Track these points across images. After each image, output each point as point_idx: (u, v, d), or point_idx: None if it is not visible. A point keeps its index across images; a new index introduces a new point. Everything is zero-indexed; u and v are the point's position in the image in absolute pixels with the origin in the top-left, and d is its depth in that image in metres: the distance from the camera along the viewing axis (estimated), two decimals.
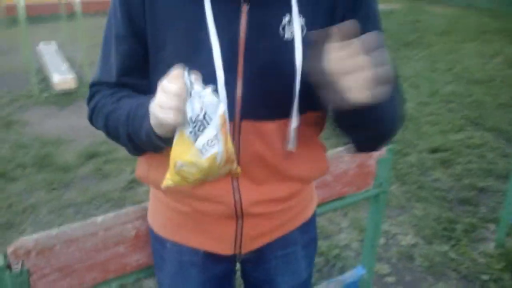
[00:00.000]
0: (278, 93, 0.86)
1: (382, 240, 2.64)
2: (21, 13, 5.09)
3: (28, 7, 6.16)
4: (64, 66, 5.68)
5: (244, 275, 1.15)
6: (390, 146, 1.61)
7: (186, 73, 0.73)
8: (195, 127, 0.73)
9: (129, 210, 1.18)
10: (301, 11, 0.85)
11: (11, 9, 8.13)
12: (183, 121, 0.73)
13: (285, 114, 0.88)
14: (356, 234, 2.71)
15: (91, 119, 0.96)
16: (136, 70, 0.91)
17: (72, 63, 5.92)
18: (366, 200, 1.87)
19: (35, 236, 1.06)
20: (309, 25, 0.86)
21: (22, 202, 3.07)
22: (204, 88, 0.74)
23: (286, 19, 0.84)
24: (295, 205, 1.03)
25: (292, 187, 0.99)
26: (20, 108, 4.92)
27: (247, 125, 0.88)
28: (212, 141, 0.74)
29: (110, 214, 1.16)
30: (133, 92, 0.92)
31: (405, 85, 5.14)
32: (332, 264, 2.44)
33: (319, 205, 1.52)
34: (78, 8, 5.50)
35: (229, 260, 1.06)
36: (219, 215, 0.96)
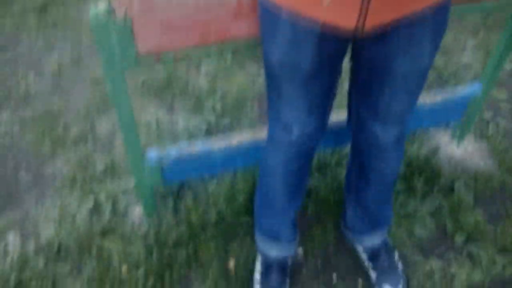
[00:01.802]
0: None
1: (508, 66, 2.36)
2: None
3: None
4: None
5: (357, 53, 1.07)
6: None
7: None
8: None
9: None
10: None
11: None
12: None
13: None
14: (481, 55, 2.43)
15: None
16: None
17: None
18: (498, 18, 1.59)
19: None
20: None
21: None
22: None
23: None
24: None
25: None
26: None
27: None
28: None
29: None
30: None
31: None
32: (445, 79, 2.27)
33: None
34: None
35: (347, 36, 0.98)
36: None
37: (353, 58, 1.10)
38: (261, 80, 2.26)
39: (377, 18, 0.91)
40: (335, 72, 1.08)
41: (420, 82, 1.08)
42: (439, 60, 2.35)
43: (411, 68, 1.01)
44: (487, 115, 2.06)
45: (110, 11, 1.04)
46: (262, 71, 2.24)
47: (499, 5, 1.40)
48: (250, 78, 2.28)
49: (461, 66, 2.36)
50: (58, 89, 2.22)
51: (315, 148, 1.25)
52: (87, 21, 2.66)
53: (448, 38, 2.53)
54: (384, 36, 0.96)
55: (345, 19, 0.91)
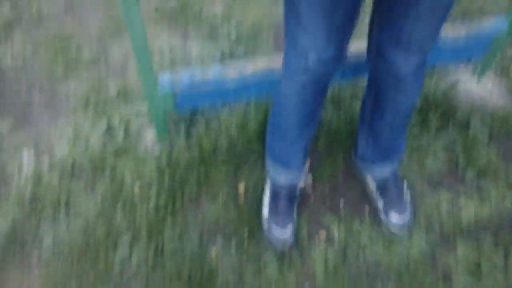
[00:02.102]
0: None
1: None
2: None
3: None
4: None
5: None
6: None
7: None
8: None
9: None
10: None
11: None
12: None
13: None
14: None
15: None
16: None
17: None
18: None
19: None
20: None
21: None
22: None
23: None
24: None
25: None
26: None
27: None
28: None
29: None
30: None
31: None
32: (471, 13, 2.17)
33: None
34: None
35: None
36: None
37: None
38: (277, 10, 2.19)
39: None
40: None
41: (445, 11, 1.04)
42: None
43: None
44: (510, 52, 1.99)
45: None
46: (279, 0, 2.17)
47: None
48: (266, 7, 2.21)
49: (488, 0, 2.26)
50: (70, 11, 2.18)
51: (331, 78, 1.22)
52: None
53: None
54: None
55: None
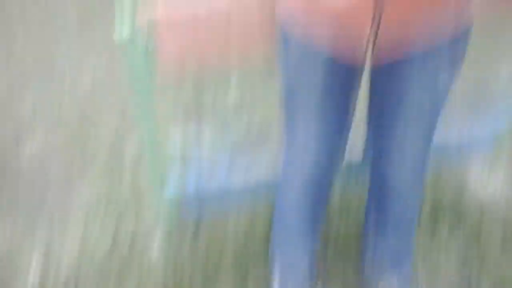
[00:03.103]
0: None
1: None
2: None
3: None
4: None
5: (372, 83, 1.06)
6: None
7: None
8: None
9: None
10: None
11: None
12: None
13: None
14: None
15: None
16: None
17: None
18: None
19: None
20: None
21: None
22: None
23: None
24: (447, 11, 0.85)
25: None
26: None
27: None
28: None
29: None
30: None
31: None
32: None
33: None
34: None
35: (357, 63, 0.97)
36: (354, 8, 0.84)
37: (369, 89, 1.08)
38: None
39: (385, 51, 0.89)
40: (349, 100, 1.06)
41: (435, 115, 1.06)
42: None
43: (426, 99, 0.99)
44: None
45: (134, 34, 1.06)
46: None
47: None
48: (277, 99, 2.27)
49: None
50: (89, 113, 2.28)
51: (330, 182, 1.22)
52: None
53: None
54: (397, 67, 0.94)
55: (354, 44, 0.90)
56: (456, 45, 0.93)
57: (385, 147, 1.11)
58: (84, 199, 1.84)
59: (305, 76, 1.00)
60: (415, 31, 0.88)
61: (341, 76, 0.99)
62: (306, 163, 1.13)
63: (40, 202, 1.84)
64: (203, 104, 2.23)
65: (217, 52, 1.14)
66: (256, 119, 2.15)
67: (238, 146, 2.03)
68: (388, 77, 0.98)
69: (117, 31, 1.04)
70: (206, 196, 1.50)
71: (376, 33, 0.87)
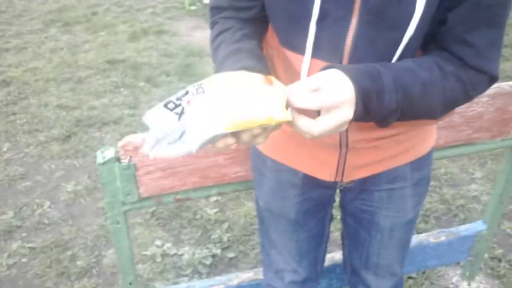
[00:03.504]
0: (389, 36, 0.75)
1: None
2: None
3: None
4: None
5: (343, 204, 1.10)
6: None
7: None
8: None
9: None
10: None
11: None
12: None
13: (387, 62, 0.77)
14: (489, 187, 2.44)
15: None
16: None
17: None
18: (504, 149, 1.64)
19: (143, 134, 1.12)
20: None
21: None
22: None
23: None
24: (406, 140, 0.93)
25: (401, 128, 0.89)
26: (171, 18, 5.22)
27: None
28: None
29: None
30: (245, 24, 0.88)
31: None
32: (454, 214, 2.25)
33: (443, 147, 1.38)
34: None
35: (329, 186, 1.02)
36: (322, 142, 0.91)
37: (341, 208, 1.12)
38: None
39: (355, 173, 0.96)
40: (323, 220, 1.10)
41: (406, 233, 1.09)
42: (447, 194, 2.37)
43: (395, 221, 1.03)
44: (499, 252, 2.00)
45: (116, 157, 1.11)
46: None
47: (495, 145, 1.45)
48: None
49: (469, 198, 2.37)
50: (71, 218, 2.28)
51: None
52: None
53: (454, 169, 2.57)
54: (367, 189, 1.00)
55: (324, 172, 0.96)
56: (419, 167, 0.99)
57: (363, 259, 1.13)
58: None
59: (279, 200, 1.04)
60: (379, 169, 0.96)
61: (314, 198, 1.03)
62: (285, 282, 1.14)
63: None
64: (183, 217, 2.27)
65: (194, 176, 1.20)
66: (237, 230, 2.18)
67: (219, 259, 2.02)
68: (359, 196, 1.02)
69: (99, 155, 1.10)
70: None
71: (345, 160, 0.95)
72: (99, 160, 1.10)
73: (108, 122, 3.15)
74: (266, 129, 0.69)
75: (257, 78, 0.70)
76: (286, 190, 1.02)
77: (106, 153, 1.11)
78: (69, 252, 2.05)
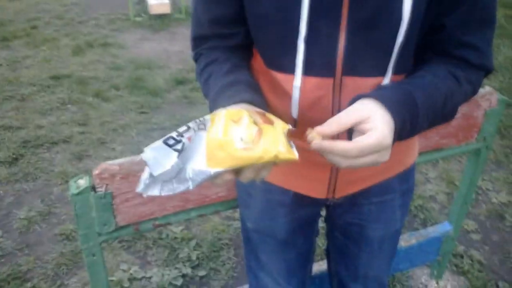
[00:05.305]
0: (380, 45, 0.75)
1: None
2: None
3: None
4: None
5: (331, 218, 1.09)
6: (502, 96, 1.42)
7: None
8: None
9: None
10: None
11: None
12: None
13: (382, 72, 0.78)
14: (444, 186, 2.55)
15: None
16: (224, 19, 0.84)
17: None
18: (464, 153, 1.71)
19: (119, 160, 1.07)
20: None
21: (113, 122, 3.22)
22: None
23: None
24: (396, 152, 0.94)
25: None
26: (116, 30, 5.08)
27: (348, 81, 0.78)
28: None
29: None
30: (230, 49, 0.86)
31: None
32: (414, 214, 2.33)
33: None
34: None
35: (318, 203, 1.02)
36: (313, 160, 0.90)
37: (328, 222, 1.12)
38: (236, 223, 2.26)
39: (347, 189, 0.96)
40: (311, 237, 1.10)
41: (394, 243, 1.12)
42: None
43: (385, 232, 1.04)
44: (460, 249, 2.09)
45: (91, 187, 1.05)
46: (237, 214, 2.26)
47: (460, 149, 1.51)
48: (225, 222, 2.28)
49: (427, 198, 2.46)
50: (26, 248, 2.14)
51: None
52: (59, 170, 2.68)
53: None
54: (357, 203, 1.01)
55: (317, 190, 0.96)
56: (406, 179, 1.02)
57: (351, 272, 1.13)
58: None
59: (268, 220, 1.03)
60: (370, 183, 0.97)
61: (303, 216, 1.03)
62: None
63: None
64: (148, 238, 2.20)
65: (173, 201, 1.16)
66: (205, 247, 2.14)
67: (189, 279, 1.98)
68: (349, 214, 1.03)
69: (73, 186, 1.04)
70: None
71: (336, 176, 0.95)
72: (73, 190, 1.04)
73: (57, 141, 3.00)
74: (269, 164, 0.67)
75: (257, 116, 0.69)
76: (275, 210, 1.01)
77: (80, 182, 1.05)
78: (28, 284, 1.92)
